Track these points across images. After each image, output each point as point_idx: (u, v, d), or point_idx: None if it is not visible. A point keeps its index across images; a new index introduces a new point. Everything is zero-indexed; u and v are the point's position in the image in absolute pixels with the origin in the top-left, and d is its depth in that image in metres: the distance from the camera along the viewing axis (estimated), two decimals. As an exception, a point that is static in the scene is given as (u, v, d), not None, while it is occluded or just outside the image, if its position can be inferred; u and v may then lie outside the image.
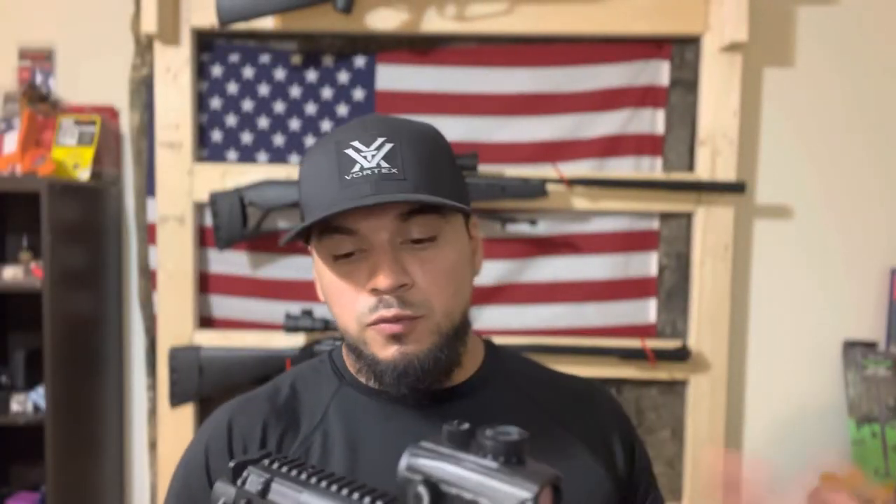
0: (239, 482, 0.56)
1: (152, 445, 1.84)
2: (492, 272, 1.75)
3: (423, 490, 0.42)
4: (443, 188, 0.73)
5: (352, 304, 0.74)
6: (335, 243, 0.73)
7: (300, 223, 0.74)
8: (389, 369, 0.72)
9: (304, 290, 1.76)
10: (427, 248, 0.73)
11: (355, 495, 0.48)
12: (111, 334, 1.91)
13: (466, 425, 0.44)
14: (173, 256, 1.74)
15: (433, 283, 0.72)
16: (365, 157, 0.71)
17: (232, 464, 0.57)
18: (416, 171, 0.71)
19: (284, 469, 0.54)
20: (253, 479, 0.55)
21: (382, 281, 0.70)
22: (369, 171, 0.71)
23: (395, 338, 0.72)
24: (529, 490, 0.39)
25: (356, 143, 0.72)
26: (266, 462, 0.56)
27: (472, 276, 0.80)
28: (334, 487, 0.50)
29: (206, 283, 1.79)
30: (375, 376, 0.75)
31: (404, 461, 0.44)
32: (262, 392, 0.82)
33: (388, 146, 0.72)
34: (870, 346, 1.80)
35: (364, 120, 0.77)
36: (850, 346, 1.80)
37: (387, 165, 0.71)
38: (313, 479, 0.52)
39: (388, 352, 0.72)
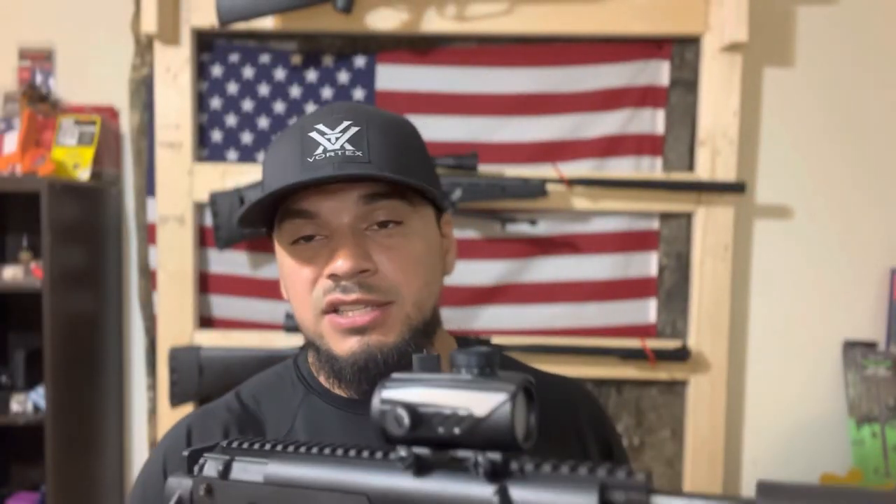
0: (195, 470, 0.52)
1: (152, 445, 1.84)
2: (492, 272, 1.75)
3: (402, 411, 0.41)
4: (411, 176, 0.69)
5: (310, 292, 0.69)
6: (295, 228, 0.70)
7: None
8: (348, 364, 0.68)
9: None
10: (393, 235, 0.69)
11: (326, 451, 0.47)
12: (111, 334, 1.91)
13: (436, 353, 0.44)
14: (173, 256, 1.74)
15: (400, 270, 0.68)
16: (329, 140, 0.68)
17: (186, 452, 0.53)
18: (383, 156, 0.68)
19: (245, 446, 0.51)
20: (211, 464, 0.51)
21: (342, 265, 0.66)
22: (332, 153, 0.67)
23: (356, 330, 0.67)
24: (506, 391, 0.40)
25: (320, 126, 0.69)
26: (224, 444, 0.52)
27: (442, 275, 0.75)
28: (302, 449, 0.48)
29: (206, 283, 1.79)
30: (334, 373, 0.70)
31: (376, 397, 0.43)
32: (221, 403, 0.77)
33: (353, 129, 0.69)
34: (870, 346, 1.80)
35: (332, 105, 0.75)
36: (850, 346, 1.80)
37: (351, 148, 0.68)
38: (278, 447, 0.49)
39: (346, 344, 0.68)
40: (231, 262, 1.79)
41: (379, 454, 0.45)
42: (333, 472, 0.45)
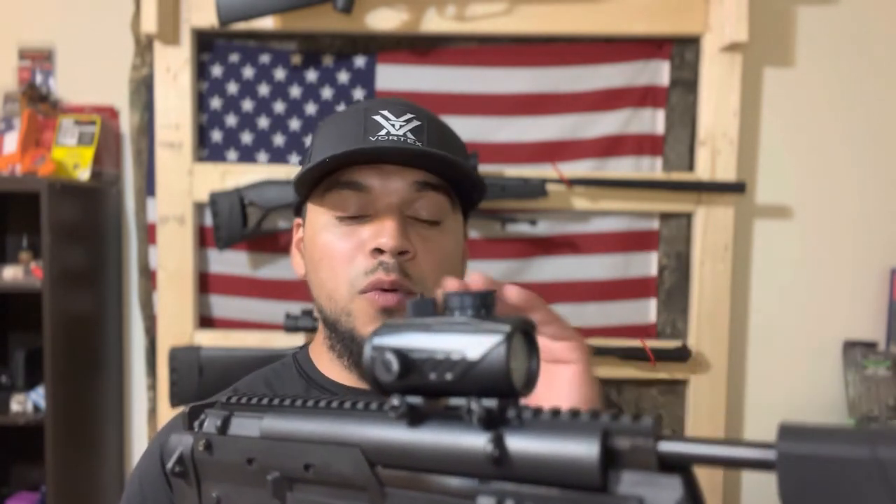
0: (195, 427, 0.52)
1: (152, 445, 1.84)
2: (492, 272, 1.75)
3: (391, 356, 0.38)
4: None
5: (347, 266, 0.69)
6: (342, 200, 0.71)
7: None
8: None
9: (304, 290, 1.76)
10: (431, 229, 0.72)
11: (321, 404, 0.45)
12: (111, 334, 1.91)
13: (431, 297, 0.42)
14: (173, 256, 1.74)
15: (432, 263, 0.70)
16: (393, 125, 0.70)
17: (186, 409, 0.53)
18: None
19: (244, 401, 0.50)
20: (211, 420, 0.51)
21: (387, 241, 0.67)
22: (395, 138, 0.69)
23: (386, 312, 0.68)
24: (501, 332, 0.37)
25: (385, 112, 0.71)
26: (224, 399, 0.52)
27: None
28: (299, 403, 0.47)
29: (206, 283, 1.79)
30: (351, 354, 0.71)
31: (368, 345, 0.40)
32: (219, 398, 0.78)
33: (416, 122, 0.71)
34: (870, 346, 1.80)
35: (392, 98, 0.77)
36: (850, 346, 1.79)
37: (413, 138, 0.70)
38: (275, 402, 0.48)
39: (372, 327, 0.68)
40: (231, 262, 1.79)
41: (374, 406, 0.43)
42: (327, 425, 0.44)
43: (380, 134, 0.69)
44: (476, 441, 0.36)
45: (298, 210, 0.78)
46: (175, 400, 1.72)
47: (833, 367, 1.82)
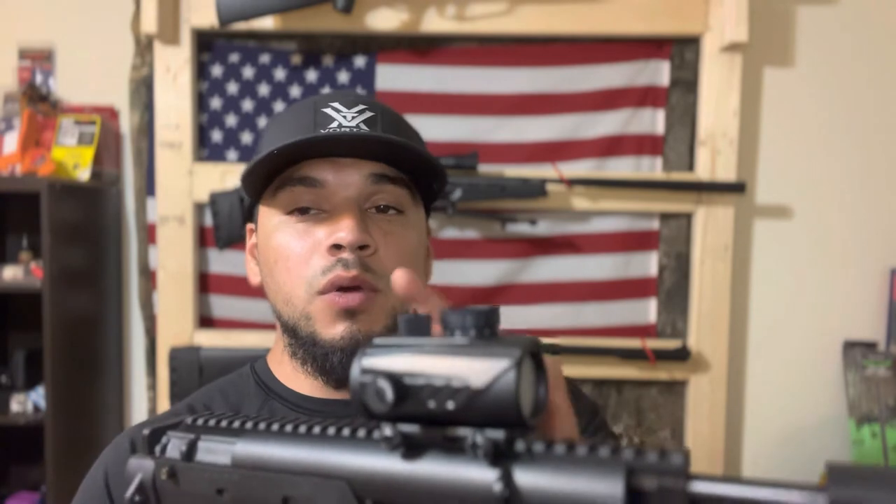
0: (157, 450, 0.46)
1: (152, 445, 1.84)
2: (492, 272, 1.75)
3: (384, 383, 0.34)
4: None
5: (303, 267, 0.65)
6: (294, 196, 0.66)
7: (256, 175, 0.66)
8: (337, 349, 0.64)
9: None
10: (393, 222, 0.67)
11: (302, 428, 0.41)
12: (111, 334, 1.91)
13: (427, 313, 0.38)
14: (173, 256, 1.74)
15: (395, 257, 0.65)
16: (344, 117, 0.66)
17: (146, 431, 0.47)
18: None
19: (212, 423, 0.45)
20: (174, 444, 0.45)
21: (345, 235, 0.62)
22: (347, 129, 0.65)
23: (348, 314, 0.63)
24: (509, 356, 0.33)
25: (336, 105, 0.67)
26: (189, 421, 0.47)
27: (423, 277, 0.73)
28: (275, 427, 0.42)
29: (206, 283, 1.79)
30: (313, 360, 0.66)
31: (356, 366, 0.36)
32: (170, 413, 0.72)
33: (369, 113, 0.67)
34: (870, 346, 1.80)
35: (345, 90, 0.74)
36: (850, 346, 1.79)
37: (366, 129, 0.66)
38: (248, 425, 0.43)
39: (334, 330, 0.64)
40: (231, 262, 1.79)
41: (362, 432, 0.39)
42: (310, 454, 0.39)
43: (331, 126, 0.65)
44: (482, 478, 0.33)
45: (250, 214, 0.74)
46: (175, 400, 1.72)
47: (833, 367, 1.82)
